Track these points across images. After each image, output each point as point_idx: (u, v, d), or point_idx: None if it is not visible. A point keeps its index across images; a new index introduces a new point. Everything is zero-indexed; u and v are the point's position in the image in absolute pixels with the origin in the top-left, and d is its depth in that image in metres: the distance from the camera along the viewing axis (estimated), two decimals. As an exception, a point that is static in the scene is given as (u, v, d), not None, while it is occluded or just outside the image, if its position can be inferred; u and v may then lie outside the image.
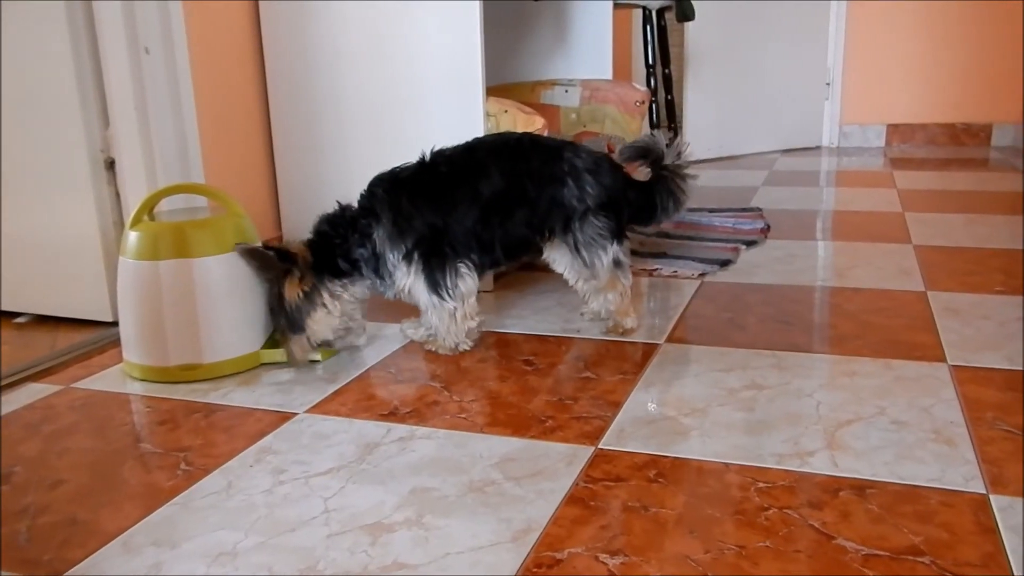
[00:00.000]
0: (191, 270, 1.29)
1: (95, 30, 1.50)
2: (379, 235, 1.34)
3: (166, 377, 1.31)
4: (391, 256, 1.34)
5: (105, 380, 1.34)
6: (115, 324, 1.48)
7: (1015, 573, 0.77)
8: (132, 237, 1.31)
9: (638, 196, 1.43)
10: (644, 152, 1.44)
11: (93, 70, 1.52)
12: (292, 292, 1.31)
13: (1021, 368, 1.26)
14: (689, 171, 1.45)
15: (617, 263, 1.40)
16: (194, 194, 1.48)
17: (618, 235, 1.40)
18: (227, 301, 1.32)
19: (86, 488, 0.99)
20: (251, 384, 1.30)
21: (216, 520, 0.91)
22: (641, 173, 1.46)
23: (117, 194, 1.58)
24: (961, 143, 3.88)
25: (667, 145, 1.43)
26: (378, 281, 1.37)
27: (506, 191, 1.36)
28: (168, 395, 1.26)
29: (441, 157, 1.38)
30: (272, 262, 1.31)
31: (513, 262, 1.49)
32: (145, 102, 1.55)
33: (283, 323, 1.32)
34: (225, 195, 1.39)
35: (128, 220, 1.35)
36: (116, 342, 1.42)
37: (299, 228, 1.88)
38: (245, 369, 1.35)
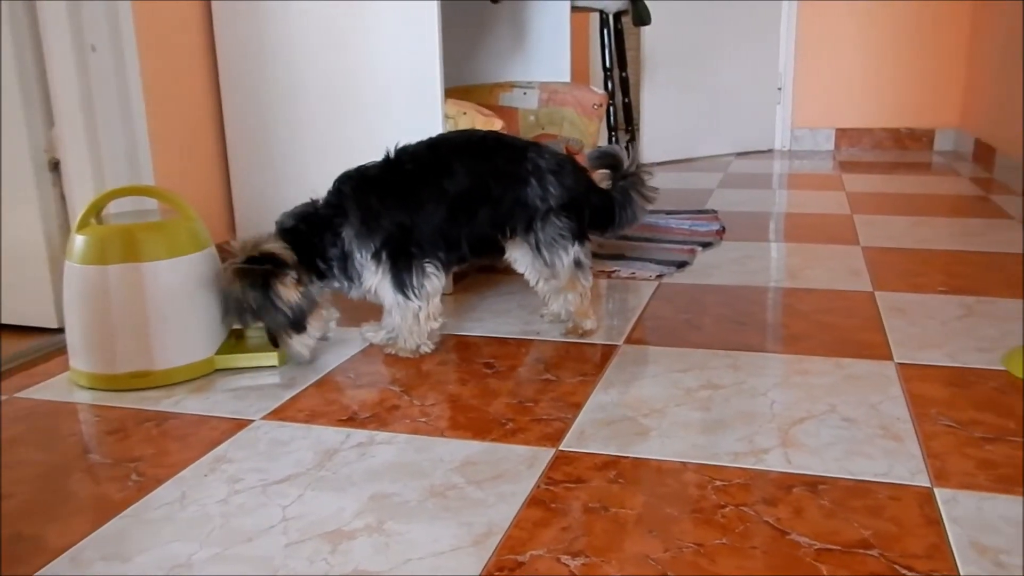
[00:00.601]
0: (141, 274, 1.27)
1: (38, 27, 1.46)
2: (347, 234, 1.33)
3: (115, 385, 1.28)
4: (359, 255, 1.34)
5: (51, 389, 1.31)
6: (61, 331, 1.44)
7: (958, 563, 0.80)
8: (79, 241, 1.28)
9: (600, 201, 1.45)
10: (611, 160, 1.45)
11: (36, 68, 1.48)
12: (292, 294, 1.29)
13: (963, 365, 1.30)
14: (651, 184, 1.47)
15: (578, 264, 1.41)
16: (143, 196, 1.45)
17: (579, 236, 1.41)
18: (179, 306, 1.30)
19: (32, 502, 0.96)
20: (205, 391, 1.28)
21: (170, 532, 0.89)
22: (603, 181, 1.47)
23: (62, 196, 1.54)
24: (905, 147, 3.98)
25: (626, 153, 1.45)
26: (346, 283, 1.36)
27: (471, 189, 1.36)
28: (118, 404, 1.24)
29: (406, 154, 1.38)
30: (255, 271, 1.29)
31: (478, 259, 1.49)
32: (91, 101, 1.52)
33: (283, 323, 1.30)
34: (176, 197, 1.37)
35: (74, 223, 1.32)
36: (62, 350, 1.39)
37: (253, 229, 1.85)
38: (198, 376, 1.33)
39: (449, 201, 1.35)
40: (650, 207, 1.48)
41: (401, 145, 1.39)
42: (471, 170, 1.36)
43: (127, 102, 1.58)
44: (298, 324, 1.31)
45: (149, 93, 1.64)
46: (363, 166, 1.38)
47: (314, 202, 1.36)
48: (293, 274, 1.30)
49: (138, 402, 1.24)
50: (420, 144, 1.40)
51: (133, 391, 1.27)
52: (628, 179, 1.45)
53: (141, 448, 1.09)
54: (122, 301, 1.27)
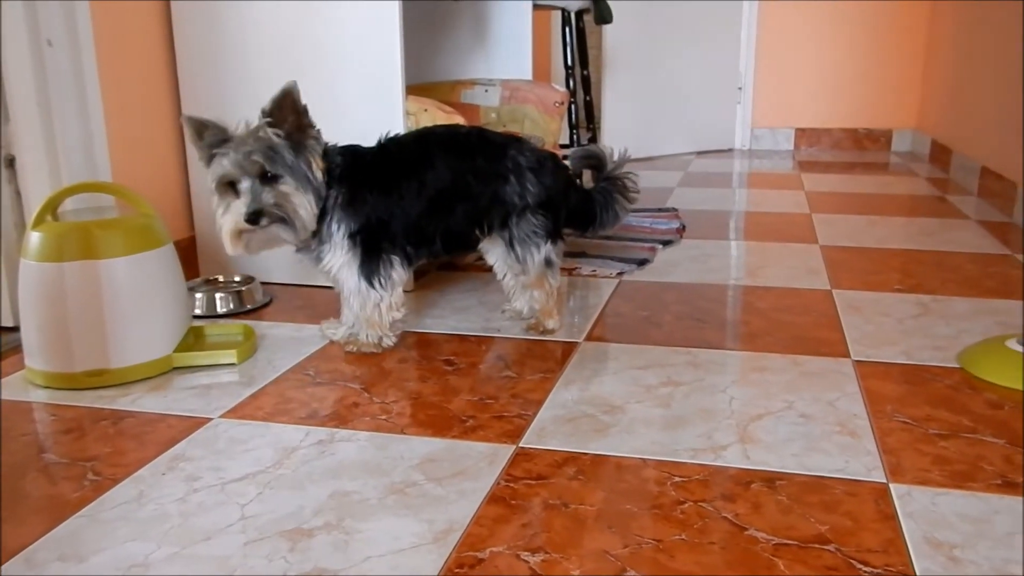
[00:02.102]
0: (97, 272, 1.25)
1: (-8, 20, 1.43)
2: (332, 202, 1.32)
3: (71, 384, 1.26)
4: (335, 228, 1.32)
5: (6, 388, 1.28)
6: (16, 329, 1.42)
7: (912, 557, 0.81)
8: (34, 238, 1.25)
9: (580, 201, 1.46)
10: (595, 161, 1.47)
11: (-10, 62, 1.45)
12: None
13: (918, 362, 1.32)
14: (633, 185, 1.48)
15: (548, 262, 1.42)
16: (101, 193, 1.43)
17: (553, 235, 1.42)
18: (136, 304, 1.28)
19: (-15, 501, 0.94)
20: (163, 389, 1.26)
21: (126, 531, 0.88)
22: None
23: (18, 193, 1.50)
24: (863, 147, 4.05)
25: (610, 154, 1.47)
26: (307, 235, 1.31)
27: (451, 186, 1.36)
28: (74, 402, 1.22)
29: (395, 144, 1.39)
30: None
31: (450, 255, 1.49)
32: (48, 97, 1.49)
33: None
34: (134, 194, 1.35)
35: (30, 220, 1.29)
36: (17, 348, 1.36)
37: (212, 226, 1.82)
38: (156, 374, 1.31)
39: (429, 196, 1.35)
40: (631, 207, 1.50)
41: (391, 135, 1.39)
42: (452, 167, 1.37)
43: (84, 98, 1.55)
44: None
45: (107, 89, 1.61)
46: (357, 147, 1.37)
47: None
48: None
49: (95, 401, 1.22)
50: (408, 135, 1.41)
51: (90, 390, 1.25)
52: (611, 180, 1.47)
53: (97, 447, 1.07)
54: (79, 299, 1.24)
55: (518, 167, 1.38)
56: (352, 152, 1.36)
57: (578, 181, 1.50)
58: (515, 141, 1.43)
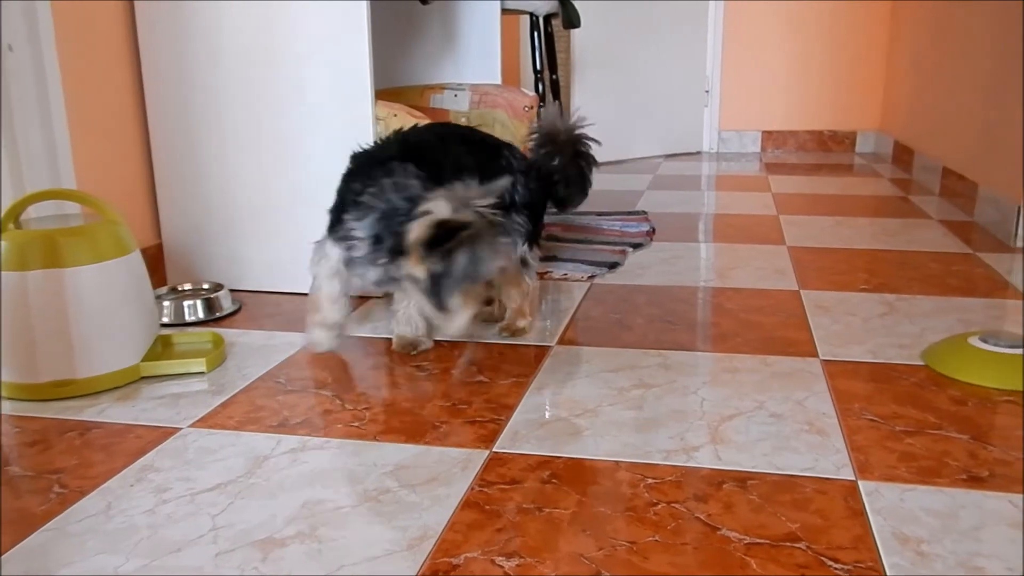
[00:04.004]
0: (63, 281, 1.23)
1: (-50, 25, 1.41)
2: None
3: (37, 395, 1.24)
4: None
5: (-33, 400, 1.25)
6: (-22, 339, 1.39)
7: (881, 553, 0.83)
8: (-4, 247, 1.23)
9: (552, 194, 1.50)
10: (549, 140, 1.50)
11: (-52, 68, 1.42)
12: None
13: (884, 361, 1.34)
14: (592, 156, 1.51)
15: (524, 262, 1.44)
16: (65, 200, 1.40)
17: (532, 237, 1.44)
18: (103, 312, 1.26)
19: (-53, 516, 0.92)
20: (131, 399, 1.24)
21: (94, 544, 0.86)
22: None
23: (-22, 201, 1.48)
24: (828, 149, 4.11)
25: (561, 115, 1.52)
26: None
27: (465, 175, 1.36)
28: (39, 414, 1.19)
29: (414, 136, 1.39)
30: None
31: None
32: (9, 102, 1.46)
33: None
34: (99, 201, 1.33)
35: (-9, 229, 1.27)
36: (-21, 359, 1.33)
37: (179, 233, 1.81)
38: (124, 384, 1.29)
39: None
40: (591, 184, 1.54)
41: (407, 128, 1.40)
42: (468, 162, 1.37)
43: (46, 103, 1.53)
44: None
45: (70, 94, 1.59)
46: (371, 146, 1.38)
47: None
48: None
49: (61, 412, 1.20)
50: (422, 129, 1.42)
51: (56, 401, 1.23)
52: (571, 155, 1.49)
53: (63, 459, 1.05)
54: (43, 308, 1.22)
55: (511, 167, 1.42)
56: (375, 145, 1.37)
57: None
58: (507, 144, 1.47)
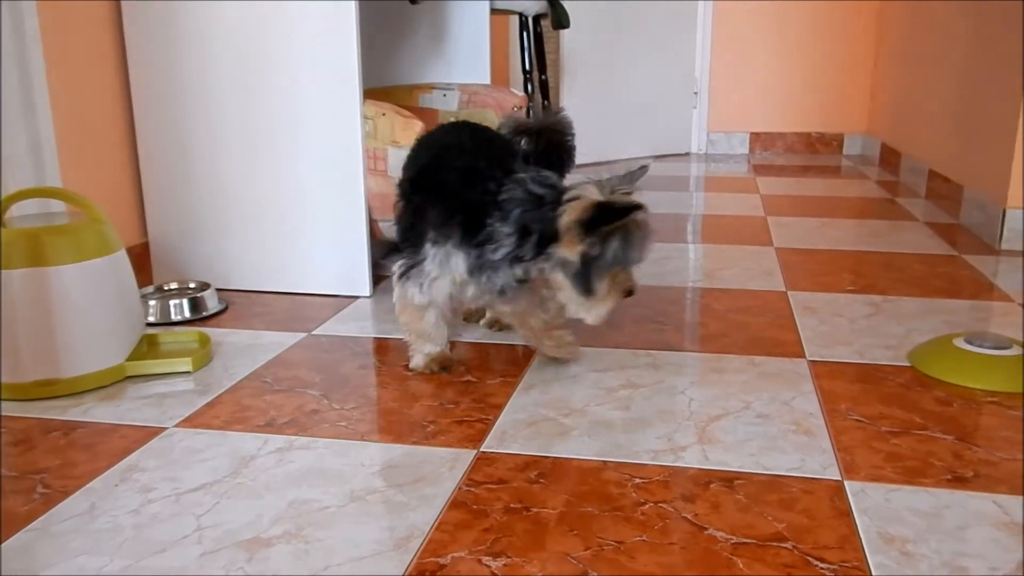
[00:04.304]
0: (47, 279, 1.22)
1: (-66, 21, 1.39)
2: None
3: (21, 394, 1.23)
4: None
5: (-50, 399, 1.24)
6: (-39, 338, 1.37)
7: (867, 553, 0.83)
8: (-21, 245, 1.22)
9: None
10: (522, 127, 1.47)
11: (-68, 64, 1.41)
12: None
13: (870, 361, 1.35)
14: (571, 141, 1.48)
15: None
16: (49, 198, 1.39)
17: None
18: (87, 311, 1.25)
19: (-71, 517, 0.92)
20: (115, 399, 1.23)
21: (78, 545, 0.86)
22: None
23: (-39, 198, 1.46)
24: (816, 151, 4.13)
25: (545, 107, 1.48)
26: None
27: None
28: (23, 413, 1.18)
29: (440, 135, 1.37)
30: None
31: None
32: (-7, 100, 1.45)
33: None
34: (84, 199, 1.32)
35: (-26, 226, 1.26)
36: (-38, 358, 1.32)
37: (165, 232, 1.80)
38: (109, 383, 1.28)
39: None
40: (574, 164, 1.50)
41: (447, 124, 1.38)
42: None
43: (31, 101, 1.51)
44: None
45: (55, 92, 1.57)
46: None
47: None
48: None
49: (45, 411, 1.19)
50: (462, 135, 1.37)
51: (40, 400, 1.22)
52: (549, 144, 1.45)
53: (47, 459, 1.04)
54: (27, 307, 1.21)
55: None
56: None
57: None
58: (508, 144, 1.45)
